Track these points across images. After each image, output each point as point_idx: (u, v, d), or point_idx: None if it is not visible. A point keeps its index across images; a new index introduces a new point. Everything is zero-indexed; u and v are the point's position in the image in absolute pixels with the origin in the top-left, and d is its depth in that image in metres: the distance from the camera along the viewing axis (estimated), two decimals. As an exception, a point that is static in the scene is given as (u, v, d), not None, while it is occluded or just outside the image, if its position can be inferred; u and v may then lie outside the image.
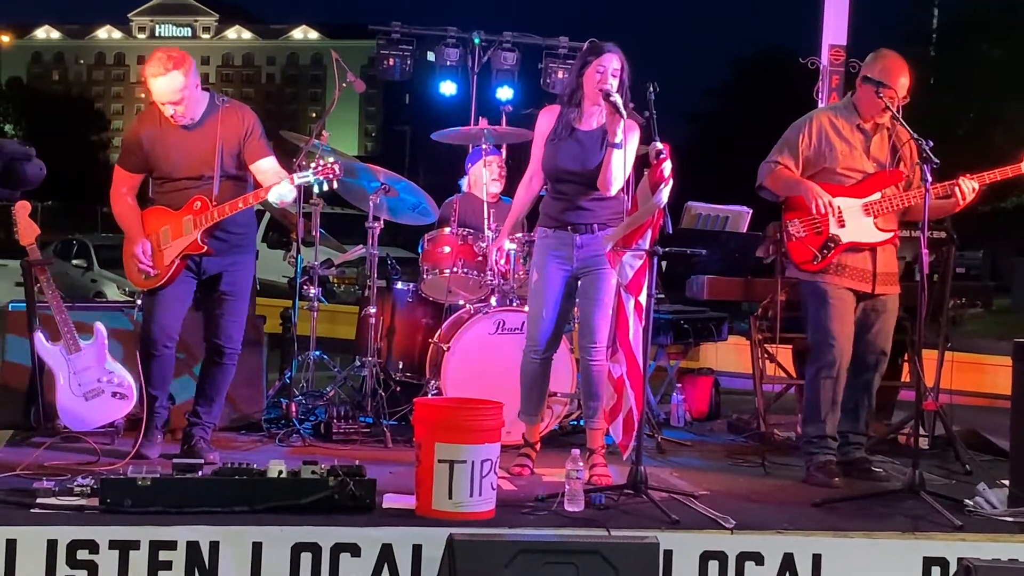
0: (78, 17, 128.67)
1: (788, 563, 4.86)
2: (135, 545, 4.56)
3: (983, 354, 11.16)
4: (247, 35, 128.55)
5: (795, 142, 6.12)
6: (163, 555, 4.56)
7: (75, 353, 6.43)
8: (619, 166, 5.66)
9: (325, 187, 5.88)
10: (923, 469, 5.48)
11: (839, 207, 5.97)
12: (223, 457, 5.69)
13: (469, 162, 7.68)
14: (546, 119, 6.00)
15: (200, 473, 4.95)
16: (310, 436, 6.73)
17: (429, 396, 6.70)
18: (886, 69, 6.01)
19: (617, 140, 5.63)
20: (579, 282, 5.93)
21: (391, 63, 10.28)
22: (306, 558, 4.63)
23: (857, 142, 6.09)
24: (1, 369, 6.83)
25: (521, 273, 6.77)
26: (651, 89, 5.55)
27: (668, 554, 4.74)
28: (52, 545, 4.51)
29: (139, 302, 6.50)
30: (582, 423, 6.32)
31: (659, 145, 5.42)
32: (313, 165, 5.79)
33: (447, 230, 7.12)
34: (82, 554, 4.52)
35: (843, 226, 5.98)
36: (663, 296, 8.08)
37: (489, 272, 6.80)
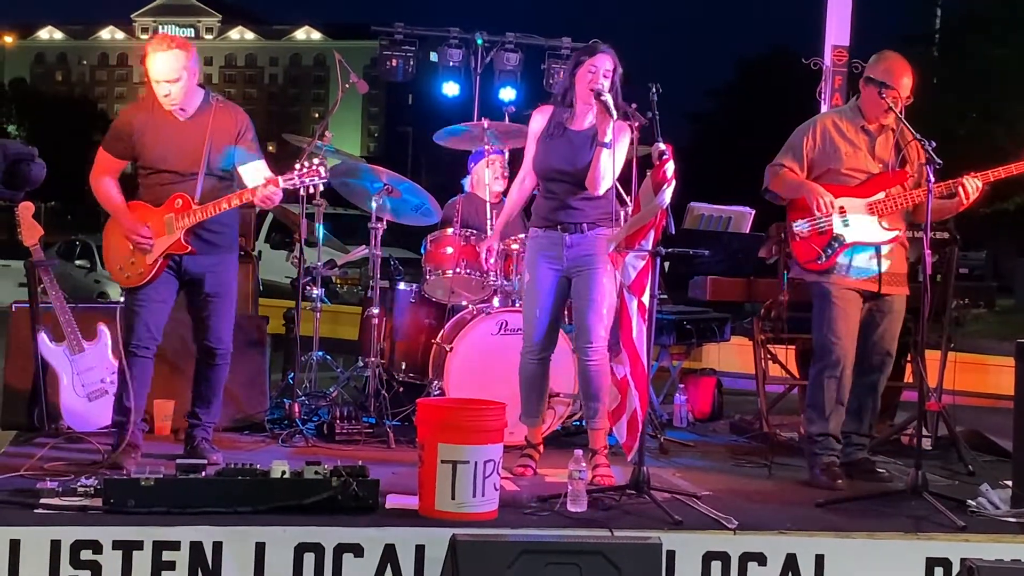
0: (81, 18, 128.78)
1: (791, 564, 4.86)
2: (138, 545, 4.56)
3: (986, 355, 11.16)
4: (250, 36, 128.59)
5: (800, 145, 6.13)
6: (166, 555, 4.56)
7: (78, 354, 6.46)
8: (607, 165, 5.66)
9: (311, 189, 5.85)
10: (926, 470, 5.47)
11: (842, 206, 5.97)
12: (226, 457, 5.68)
13: (472, 162, 7.68)
14: (539, 119, 6.02)
15: (203, 473, 4.95)
16: (313, 437, 6.73)
17: (432, 397, 6.70)
18: (889, 70, 6.01)
19: (607, 139, 5.65)
20: (571, 282, 5.93)
21: (394, 64, 10.30)
22: (309, 558, 4.63)
23: (861, 143, 6.09)
24: (4, 370, 6.83)
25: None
26: (654, 90, 5.56)
27: (671, 554, 4.74)
28: (56, 545, 4.51)
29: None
30: (584, 424, 6.31)
31: (662, 146, 5.42)
32: (298, 167, 5.75)
33: (450, 231, 7.12)
34: (86, 554, 4.53)
35: (847, 226, 5.98)
36: (666, 297, 8.09)
37: (486, 271, 6.80)
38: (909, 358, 7.27)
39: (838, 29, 9.34)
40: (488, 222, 7.05)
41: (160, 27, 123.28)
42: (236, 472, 4.94)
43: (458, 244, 7.01)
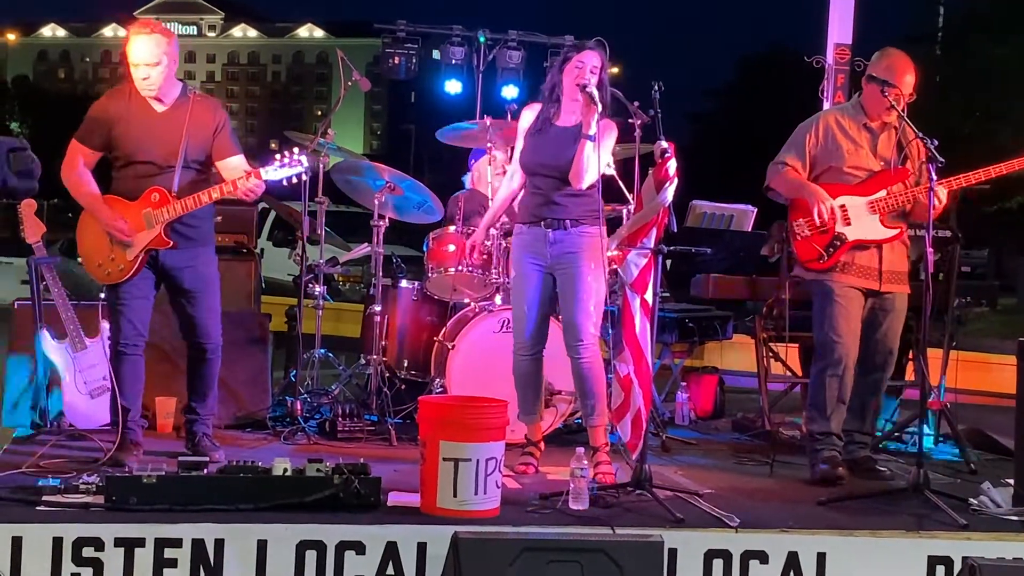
0: (84, 15, 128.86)
1: (792, 562, 4.86)
2: (140, 543, 4.56)
3: (988, 353, 11.16)
4: (252, 33, 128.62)
5: (802, 143, 6.13)
6: (168, 553, 4.57)
7: (80, 351, 6.46)
8: (591, 158, 5.66)
9: (294, 180, 5.80)
10: (928, 468, 5.48)
11: (844, 206, 5.97)
12: (228, 455, 5.68)
13: (473, 159, 7.68)
14: (528, 115, 6.05)
15: (205, 471, 4.95)
16: (315, 434, 6.73)
17: (434, 394, 6.70)
18: (891, 68, 6.01)
19: (591, 132, 5.65)
20: (556, 280, 5.94)
21: (396, 61, 10.29)
22: (311, 556, 4.63)
23: (863, 141, 6.09)
24: (7, 368, 6.83)
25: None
26: (656, 88, 5.56)
27: (672, 552, 4.74)
28: (57, 543, 4.52)
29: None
30: (583, 421, 6.31)
31: (664, 144, 5.43)
32: (278, 157, 5.73)
33: (452, 228, 7.12)
34: (87, 551, 4.53)
35: (849, 224, 5.98)
36: (668, 295, 8.09)
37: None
38: (911, 356, 7.27)
39: (840, 27, 9.33)
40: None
41: (163, 24, 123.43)
42: (238, 470, 4.94)
43: (460, 242, 7.01)
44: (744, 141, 35.64)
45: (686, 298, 8.21)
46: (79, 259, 5.95)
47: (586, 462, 5.23)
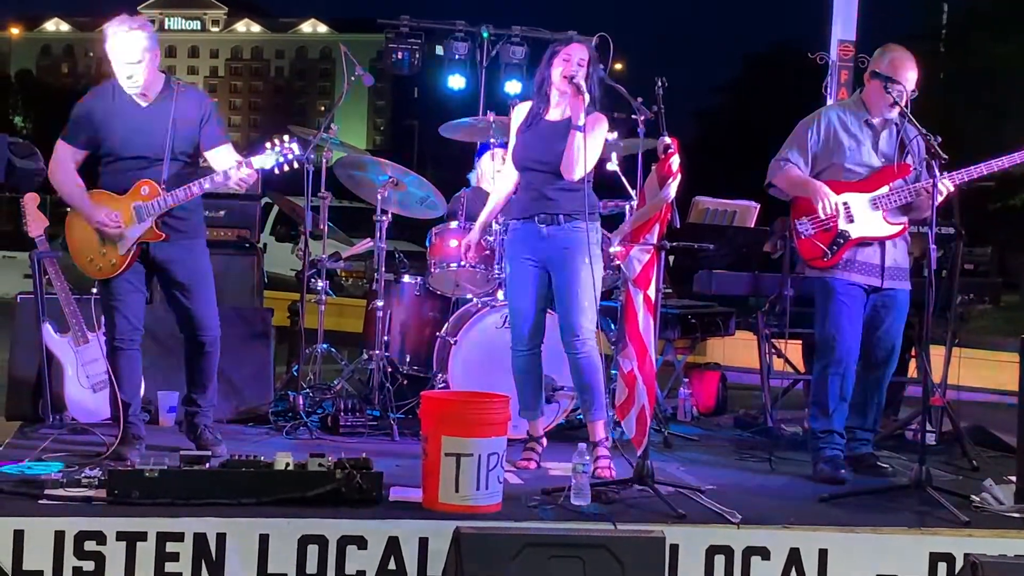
0: (87, 10, 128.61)
1: (794, 558, 4.86)
2: (142, 536, 4.56)
3: (991, 350, 11.14)
4: (256, 28, 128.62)
5: (804, 139, 6.12)
6: (170, 546, 4.57)
7: (83, 345, 6.46)
8: (581, 149, 5.67)
9: (286, 168, 5.76)
10: (930, 465, 5.47)
11: (847, 203, 5.97)
12: (230, 449, 5.69)
13: (478, 156, 7.68)
14: (519, 114, 6.07)
15: (207, 465, 4.96)
16: (317, 429, 6.74)
17: (436, 389, 6.70)
18: (894, 64, 6.00)
19: (580, 123, 5.66)
20: (551, 273, 5.94)
21: (400, 57, 10.27)
22: (313, 550, 4.64)
23: (865, 137, 6.08)
24: (9, 361, 6.84)
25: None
26: (659, 84, 5.56)
27: (674, 548, 4.74)
28: (59, 536, 4.52)
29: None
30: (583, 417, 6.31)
31: (667, 140, 5.42)
32: (268, 146, 5.70)
33: (454, 224, 7.12)
34: (89, 545, 4.53)
35: (852, 222, 5.98)
36: (670, 291, 8.08)
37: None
38: (913, 353, 7.27)
39: (844, 24, 9.31)
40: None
41: (166, 19, 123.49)
42: (240, 464, 4.95)
43: (463, 237, 7.00)
44: (748, 136, 35.62)
45: (689, 294, 8.21)
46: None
47: (588, 458, 5.22)
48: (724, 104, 49.98)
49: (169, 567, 4.56)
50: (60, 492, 4.86)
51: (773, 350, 7.66)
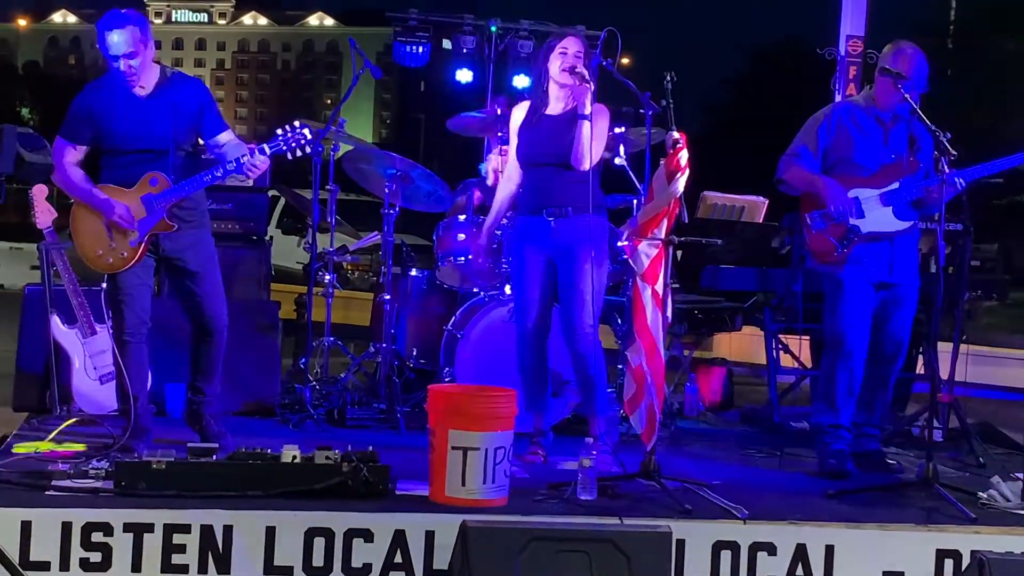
0: (94, 2, 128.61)
1: (801, 554, 4.85)
2: (149, 528, 4.56)
3: (998, 347, 11.14)
4: (263, 21, 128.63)
5: (814, 134, 6.11)
6: (177, 538, 4.57)
7: (91, 336, 6.46)
8: (588, 138, 5.70)
9: (298, 152, 5.73)
10: (937, 462, 5.46)
11: (857, 198, 5.96)
12: (237, 442, 5.68)
13: (487, 151, 7.67)
14: (519, 113, 6.07)
15: (214, 457, 4.96)
16: (324, 422, 6.74)
17: (443, 383, 6.70)
18: (903, 60, 5.99)
19: (587, 111, 5.68)
20: (557, 267, 5.94)
21: (407, 50, 10.27)
22: (319, 543, 4.64)
23: (876, 133, 6.07)
24: (16, 352, 6.84)
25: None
26: (668, 78, 5.55)
27: (680, 543, 4.73)
28: (67, 527, 4.52)
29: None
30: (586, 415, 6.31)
31: (675, 134, 5.41)
32: (280, 132, 5.70)
33: (462, 218, 7.12)
34: (96, 536, 4.53)
35: (862, 217, 5.97)
36: (678, 285, 8.07)
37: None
38: (921, 349, 7.26)
39: (853, 19, 9.30)
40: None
41: (174, 12, 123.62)
42: (247, 456, 4.95)
43: (470, 231, 7.00)
44: (757, 132, 35.54)
45: (696, 289, 8.20)
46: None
47: (595, 452, 5.22)
48: (733, 99, 49.87)
49: (176, 559, 4.56)
50: (67, 483, 4.86)
51: (780, 345, 7.66)
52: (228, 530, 4.60)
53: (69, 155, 5.73)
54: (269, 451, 4.98)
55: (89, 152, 5.79)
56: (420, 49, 10.05)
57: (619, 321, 7.20)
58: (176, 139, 5.68)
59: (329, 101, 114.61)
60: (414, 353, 7.40)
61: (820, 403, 6.16)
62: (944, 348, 6.80)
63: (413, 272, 7.52)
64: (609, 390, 6.46)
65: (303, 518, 4.66)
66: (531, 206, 5.96)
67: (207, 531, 4.59)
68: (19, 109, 65.41)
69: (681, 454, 6.43)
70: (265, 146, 5.66)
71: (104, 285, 5.99)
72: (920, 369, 7.50)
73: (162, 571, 4.56)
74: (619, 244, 6.42)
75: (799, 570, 4.85)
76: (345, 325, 8.92)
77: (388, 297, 7.17)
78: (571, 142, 5.77)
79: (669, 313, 5.46)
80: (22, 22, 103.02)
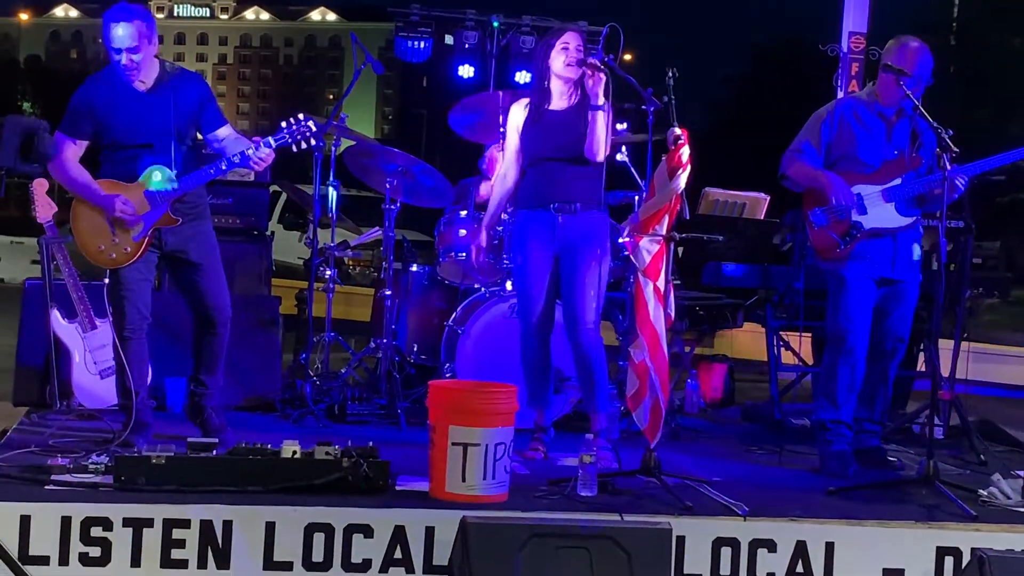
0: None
1: (801, 551, 4.85)
2: (149, 523, 4.56)
3: (999, 344, 11.14)
4: (265, 16, 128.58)
5: (817, 130, 6.11)
6: (176, 533, 4.57)
7: (91, 331, 6.46)
8: (604, 128, 5.72)
9: (303, 145, 5.73)
10: (938, 459, 5.45)
11: (859, 195, 5.95)
12: (237, 437, 5.67)
13: (488, 146, 7.66)
14: (518, 111, 6.05)
15: (214, 452, 4.96)
16: (324, 417, 6.74)
17: (444, 379, 6.70)
18: (906, 56, 5.98)
19: (600, 102, 5.69)
20: (561, 262, 5.93)
21: (409, 45, 10.26)
22: (319, 538, 4.64)
23: (878, 129, 6.06)
24: (17, 347, 6.84)
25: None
26: (670, 74, 5.55)
27: (680, 540, 4.74)
28: (66, 522, 4.52)
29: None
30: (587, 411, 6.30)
31: (677, 131, 5.41)
32: (285, 124, 5.69)
33: (464, 213, 7.11)
34: (96, 531, 4.53)
35: (864, 213, 5.96)
36: (679, 282, 8.07)
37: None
38: (922, 347, 7.25)
39: (856, 15, 9.31)
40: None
41: (176, 7, 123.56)
42: (247, 451, 4.94)
43: (471, 226, 7.00)
44: (759, 128, 35.54)
45: (697, 286, 8.20)
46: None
47: (595, 449, 5.22)
48: (735, 95, 49.87)
49: (175, 554, 4.57)
50: (67, 478, 4.86)
51: (781, 342, 7.65)
52: (228, 525, 4.60)
53: (69, 150, 5.70)
54: (269, 446, 4.98)
55: (88, 147, 5.77)
56: (422, 44, 10.04)
57: (621, 317, 7.19)
58: (177, 133, 5.68)
59: (331, 96, 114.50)
60: (415, 349, 7.39)
61: (821, 399, 6.15)
62: (945, 345, 6.79)
63: (414, 268, 7.52)
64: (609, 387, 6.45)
65: (303, 513, 4.66)
66: (536, 201, 5.95)
67: (207, 526, 4.59)
68: (20, 103, 65.38)
69: (682, 450, 6.42)
70: (270, 139, 5.66)
71: (107, 281, 5.97)
72: (921, 366, 7.50)
73: (161, 566, 4.56)
74: (620, 240, 6.41)
75: (799, 567, 4.85)
76: (346, 321, 8.92)
77: (389, 293, 7.16)
78: (580, 136, 5.78)
79: (672, 310, 5.45)
80: (24, 16, 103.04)
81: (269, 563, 4.62)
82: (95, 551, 4.53)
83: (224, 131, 5.81)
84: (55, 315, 6.42)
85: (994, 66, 27.06)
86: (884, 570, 4.89)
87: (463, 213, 7.11)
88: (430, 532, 4.68)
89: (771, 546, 4.84)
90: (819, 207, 6.04)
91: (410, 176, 7.24)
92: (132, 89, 5.68)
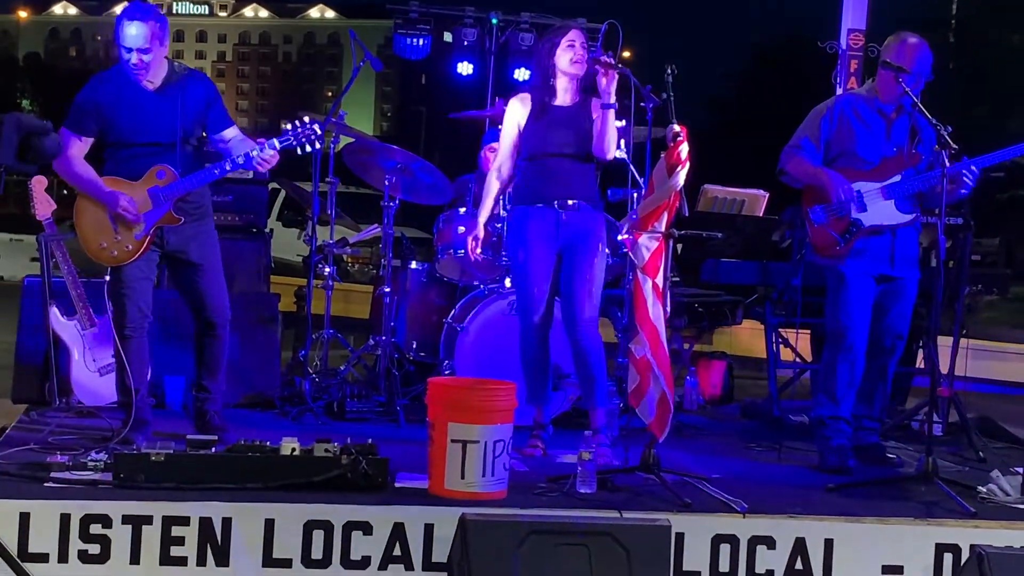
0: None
1: (800, 547, 4.85)
2: (148, 520, 4.56)
3: (999, 341, 11.14)
4: (264, 14, 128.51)
5: (817, 126, 6.11)
6: (176, 530, 4.57)
7: (90, 328, 6.46)
8: (614, 127, 5.78)
9: (308, 148, 5.76)
10: (937, 456, 5.45)
11: (859, 191, 5.95)
12: (236, 434, 5.67)
13: (485, 141, 7.66)
14: (519, 105, 6.05)
15: (213, 450, 4.96)
16: (323, 415, 6.74)
17: (443, 376, 6.70)
18: (905, 53, 5.97)
19: (612, 100, 5.74)
20: (563, 258, 5.94)
21: (408, 43, 10.26)
22: (318, 535, 4.64)
23: (878, 126, 6.06)
24: (16, 344, 6.84)
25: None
26: (669, 71, 5.55)
27: (680, 537, 4.74)
28: (65, 519, 4.52)
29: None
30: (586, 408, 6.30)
31: (676, 127, 5.41)
32: (289, 127, 5.70)
33: (463, 210, 7.11)
34: (95, 528, 4.53)
35: (864, 210, 5.96)
36: (678, 279, 8.07)
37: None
38: (921, 343, 7.25)
39: (855, 12, 9.30)
40: (501, 202, 7.02)
41: (174, 4, 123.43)
42: (246, 448, 4.94)
43: (470, 224, 6.99)
44: (758, 125, 35.52)
45: (696, 283, 8.20)
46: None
47: (594, 446, 5.22)
48: (734, 92, 49.87)
49: (175, 551, 4.57)
50: (66, 475, 4.86)
51: (780, 339, 7.65)
52: (227, 522, 4.60)
53: (74, 147, 5.70)
54: (268, 443, 4.98)
55: (94, 144, 5.77)
56: (421, 42, 10.04)
57: (619, 314, 7.19)
58: (183, 133, 5.68)
59: (330, 94, 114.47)
60: (414, 346, 7.39)
61: (820, 396, 6.16)
62: (944, 342, 6.80)
63: (413, 265, 7.52)
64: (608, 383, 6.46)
65: (302, 510, 4.66)
66: (537, 197, 5.95)
67: (206, 523, 4.59)
68: (20, 101, 65.36)
69: (681, 447, 6.40)
70: (275, 140, 5.67)
71: (107, 278, 5.97)
72: (920, 363, 7.49)
73: (161, 563, 4.56)
74: (619, 238, 6.41)
75: (798, 564, 4.85)
76: (345, 318, 8.92)
77: (388, 290, 7.16)
78: (584, 132, 5.84)
79: (668, 307, 5.45)
80: (23, 14, 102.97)
81: (268, 560, 4.62)
82: (94, 548, 4.53)
83: (230, 132, 5.82)
84: (54, 312, 6.43)
85: (993, 63, 27.06)
86: (883, 567, 4.90)
87: (462, 210, 7.11)
88: (429, 529, 4.68)
89: (770, 543, 4.85)
90: (818, 204, 6.04)
91: (409, 173, 7.24)
92: (140, 88, 5.69)
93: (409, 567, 4.66)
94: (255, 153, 5.62)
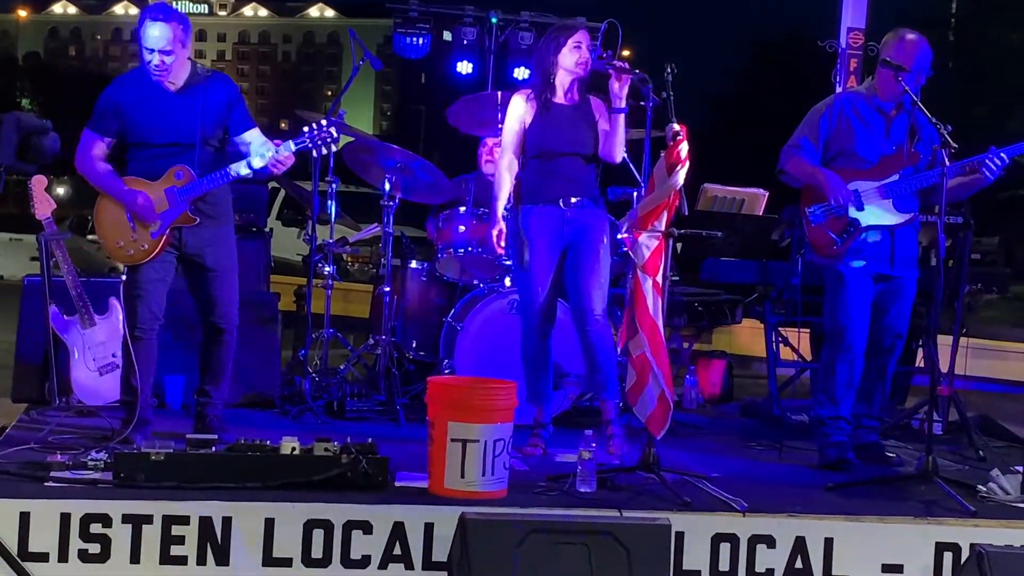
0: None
1: (800, 546, 4.86)
2: (148, 519, 4.57)
3: (998, 340, 11.14)
4: (263, 13, 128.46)
5: (816, 125, 6.10)
6: (176, 530, 4.58)
7: (90, 328, 6.46)
8: (624, 131, 5.85)
9: (324, 150, 5.78)
10: (936, 455, 5.46)
11: (857, 191, 5.95)
12: (236, 434, 5.67)
13: (483, 141, 7.66)
14: (521, 102, 6.06)
15: (213, 449, 4.96)
16: (323, 414, 6.74)
17: (442, 375, 6.70)
18: (904, 51, 5.96)
19: (623, 104, 5.79)
20: (567, 255, 5.94)
21: (407, 42, 10.25)
22: (318, 534, 4.64)
23: (877, 124, 6.06)
24: (16, 343, 6.84)
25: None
26: (668, 70, 5.55)
27: (680, 536, 4.74)
28: (65, 519, 4.53)
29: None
30: (596, 404, 6.31)
31: (676, 127, 5.41)
32: (307, 129, 5.70)
33: (462, 209, 7.11)
34: (95, 528, 4.54)
35: (862, 210, 5.96)
36: (678, 278, 8.08)
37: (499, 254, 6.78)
38: (921, 342, 7.25)
39: (854, 11, 9.30)
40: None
41: (175, 3, 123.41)
42: (246, 448, 4.95)
43: (470, 223, 7.00)
44: (757, 124, 35.52)
45: (696, 282, 8.20)
46: (89, 238, 5.92)
47: (594, 445, 5.22)
48: (733, 91, 49.86)
49: (175, 550, 4.57)
50: (66, 474, 4.86)
51: (780, 338, 7.65)
52: (227, 522, 4.60)
53: (97, 148, 5.76)
54: (268, 443, 4.98)
55: (116, 144, 5.82)
56: (420, 41, 10.04)
57: (620, 313, 7.19)
58: (203, 134, 5.70)
59: (329, 93, 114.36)
60: (413, 345, 7.40)
61: (820, 395, 6.16)
62: (944, 341, 6.80)
63: (413, 264, 7.52)
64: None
65: (302, 510, 4.66)
66: (542, 196, 5.96)
67: (206, 523, 4.59)
68: (19, 100, 65.32)
69: (680, 447, 6.41)
70: (291, 143, 5.68)
71: (123, 277, 5.98)
72: (920, 362, 7.50)
73: (161, 563, 4.57)
74: (619, 236, 6.40)
75: (798, 563, 4.85)
76: (345, 317, 8.92)
77: (388, 289, 7.16)
78: (586, 132, 5.89)
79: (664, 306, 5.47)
80: (22, 13, 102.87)
81: (268, 559, 4.62)
82: (94, 548, 4.53)
83: (252, 134, 5.81)
84: (54, 312, 6.42)
85: (992, 62, 27.06)
86: (883, 566, 4.90)
87: (461, 209, 7.11)
88: (429, 528, 4.68)
89: (770, 542, 4.85)
90: (816, 205, 6.03)
91: (408, 172, 7.24)
92: (162, 89, 5.71)
93: (409, 566, 4.67)
94: (270, 154, 5.63)
